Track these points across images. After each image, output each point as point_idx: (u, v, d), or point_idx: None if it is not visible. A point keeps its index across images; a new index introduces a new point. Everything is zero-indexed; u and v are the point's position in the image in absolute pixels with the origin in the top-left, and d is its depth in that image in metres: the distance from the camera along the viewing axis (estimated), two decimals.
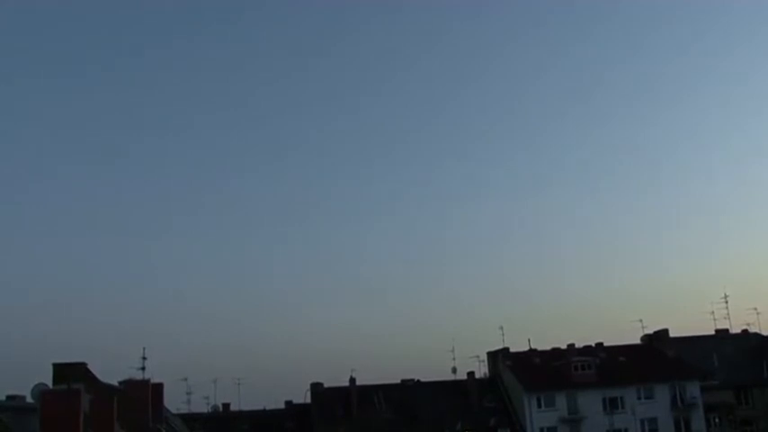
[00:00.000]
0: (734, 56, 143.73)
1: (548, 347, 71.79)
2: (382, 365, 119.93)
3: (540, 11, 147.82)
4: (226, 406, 68.59)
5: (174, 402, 58.52)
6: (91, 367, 35.34)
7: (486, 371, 72.40)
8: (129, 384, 39.61)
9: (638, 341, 73.46)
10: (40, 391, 27.66)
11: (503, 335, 73.42)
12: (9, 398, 34.81)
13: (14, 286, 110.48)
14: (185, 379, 66.37)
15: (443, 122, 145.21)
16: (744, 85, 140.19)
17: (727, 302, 74.28)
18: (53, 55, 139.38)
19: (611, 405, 64.07)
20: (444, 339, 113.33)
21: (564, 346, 70.69)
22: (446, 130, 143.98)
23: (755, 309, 76.46)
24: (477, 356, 72.49)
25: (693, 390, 65.47)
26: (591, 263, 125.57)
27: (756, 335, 73.82)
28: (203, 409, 67.55)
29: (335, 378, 68.25)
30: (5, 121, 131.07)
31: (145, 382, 40.81)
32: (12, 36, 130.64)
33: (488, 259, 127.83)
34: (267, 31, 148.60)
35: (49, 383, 31.02)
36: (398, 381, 69.73)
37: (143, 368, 46.36)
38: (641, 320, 74.03)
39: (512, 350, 71.10)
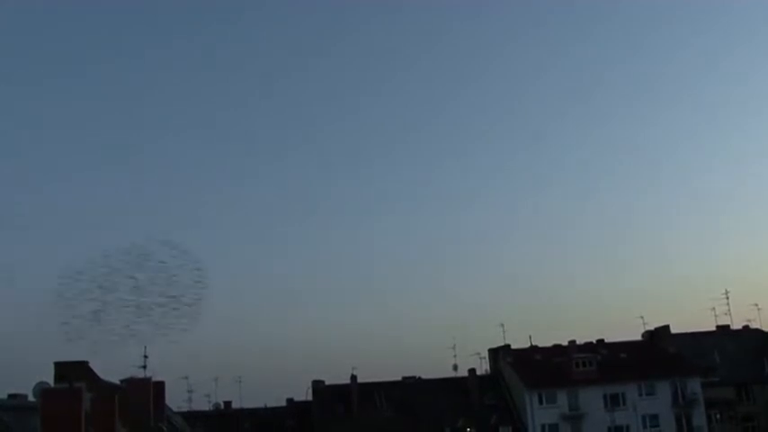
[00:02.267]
0: (734, 56, 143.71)
1: (549, 344, 71.91)
2: (383, 363, 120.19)
3: (540, 11, 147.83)
4: (227, 404, 68.67)
5: (175, 401, 58.63)
6: (92, 366, 35.34)
7: (488, 368, 72.52)
8: (130, 383, 39.65)
9: (639, 337, 73.48)
10: (41, 390, 27.69)
11: (504, 332, 73.72)
12: (10, 396, 34.86)
13: (15, 285, 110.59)
14: (186, 377, 66.60)
15: (443, 122, 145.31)
16: (744, 85, 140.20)
17: (728, 298, 74.39)
18: (53, 55, 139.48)
19: (613, 402, 64.06)
20: (445, 337, 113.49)
21: (565, 343, 70.70)
22: (446, 130, 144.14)
23: (756, 305, 75.90)
24: (479, 353, 72.74)
25: (694, 386, 65.43)
26: (591, 260, 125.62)
27: (758, 331, 73.68)
28: (204, 407, 67.71)
29: (336, 376, 68.27)
30: (4, 122, 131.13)
31: (146, 381, 40.83)
32: (11, 36, 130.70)
33: (489, 257, 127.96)
34: (267, 31, 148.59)
35: (51, 382, 31.05)
36: (399, 378, 69.81)
37: (144, 367, 46.18)
38: (642, 317, 74.16)
39: (513, 347, 71.20)
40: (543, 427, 63.76)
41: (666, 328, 71.86)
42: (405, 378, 69.77)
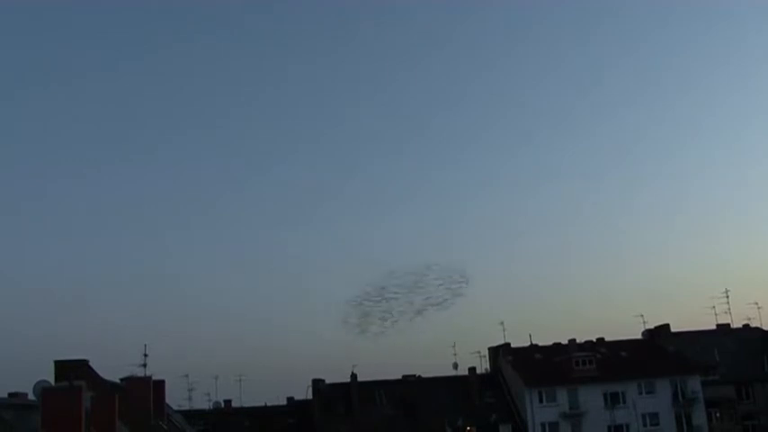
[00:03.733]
0: (734, 56, 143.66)
1: (549, 343, 71.96)
2: (383, 362, 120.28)
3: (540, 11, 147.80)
4: (227, 402, 68.59)
5: (175, 399, 58.66)
6: (92, 364, 35.35)
7: (488, 366, 72.59)
8: (130, 381, 39.66)
9: (639, 336, 73.51)
10: (41, 389, 27.67)
11: (504, 330, 73.76)
12: (11, 395, 34.88)
13: (16, 285, 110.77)
14: (187, 376, 66.53)
15: (444, 121, 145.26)
16: (744, 84, 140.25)
17: (728, 297, 74.33)
18: (58, 56, 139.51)
19: (613, 400, 64.09)
20: (445, 335, 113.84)
21: (565, 342, 70.77)
22: (446, 129, 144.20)
23: (756, 303, 76.03)
24: (479, 352, 72.82)
25: (694, 385, 65.43)
26: (591, 258, 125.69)
27: (758, 329, 73.67)
28: (205, 405, 67.64)
29: (337, 374, 68.36)
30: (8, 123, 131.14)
31: (146, 380, 40.84)
32: (14, 36, 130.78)
33: (489, 255, 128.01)
34: (269, 31, 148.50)
35: (51, 381, 31.03)
36: (400, 377, 69.84)
37: (144, 365, 46.25)
38: (642, 315, 74.22)
39: (513, 346, 71.22)
40: (543, 425, 63.76)
41: (666, 326, 71.94)
42: (405, 377, 69.79)
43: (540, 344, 71.81)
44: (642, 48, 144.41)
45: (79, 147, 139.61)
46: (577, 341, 70.46)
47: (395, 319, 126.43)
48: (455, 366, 69.86)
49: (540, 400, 64.41)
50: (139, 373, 43.54)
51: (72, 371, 30.55)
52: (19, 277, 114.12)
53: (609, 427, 63.40)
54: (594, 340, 71.63)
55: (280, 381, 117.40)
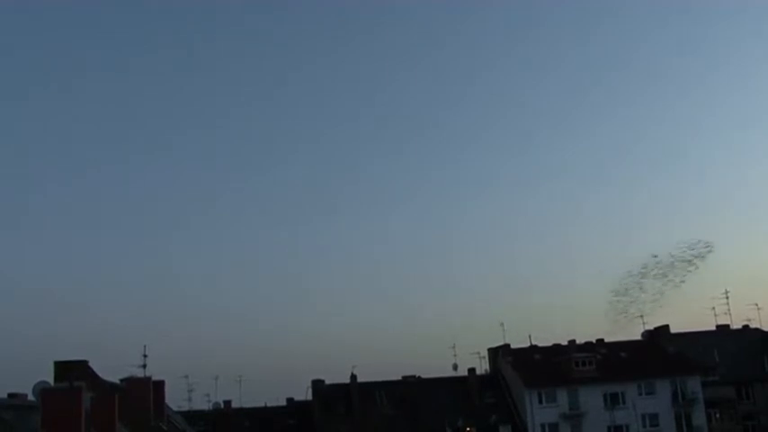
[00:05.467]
0: (734, 56, 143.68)
1: (548, 343, 71.98)
2: (383, 362, 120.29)
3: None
4: (227, 403, 68.50)
5: (175, 400, 58.62)
6: (92, 365, 35.33)
7: (488, 367, 72.57)
8: (130, 382, 39.57)
9: (638, 337, 73.53)
10: (41, 390, 27.62)
11: (503, 331, 73.92)
12: (11, 396, 34.81)
13: (16, 285, 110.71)
14: (186, 376, 66.57)
15: (443, 124, 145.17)
16: (745, 84, 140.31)
17: (727, 298, 74.51)
18: (58, 56, 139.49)
19: (612, 401, 64.13)
20: (445, 336, 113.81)
21: (565, 343, 70.79)
22: (444, 132, 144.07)
23: (756, 304, 75.95)
24: (478, 353, 72.84)
25: (694, 385, 65.49)
26: (592, 259, 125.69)
27: (757, 330, 73.72)
28: (205, 406, 67.62)
29: (337, 375, 68.35)
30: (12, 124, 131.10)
31: (146, 380, 40.74)
32: (15, 36, 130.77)
33: (489, 256, 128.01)
34: (270, 31, 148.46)
35: (51, 381, 30.99)
36: (399, 377, 69.78)
37: (144, 366, 46.19)
38: (642, 316, 74.41)
39: (513, 346, 71.20)
40: (543, 426, 63.80)
41: (666, 327, 71.97)
42: (405, 377, 69.75)
43: (540, 344, 71.88)
44: (642, 48, 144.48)
45: (79, 147, 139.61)
46: (577, 342, 70.51)
47: None
48: (455, 367, 70.08)
49: (540, 401, 64.43)
50: (139, 373, 43.49)
51: (72, 371, 30.50)
52: (19, 277, 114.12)
53: (609, 428, 63.50)
54: (594, 341, 71.67)
55: (280, 381, 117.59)
